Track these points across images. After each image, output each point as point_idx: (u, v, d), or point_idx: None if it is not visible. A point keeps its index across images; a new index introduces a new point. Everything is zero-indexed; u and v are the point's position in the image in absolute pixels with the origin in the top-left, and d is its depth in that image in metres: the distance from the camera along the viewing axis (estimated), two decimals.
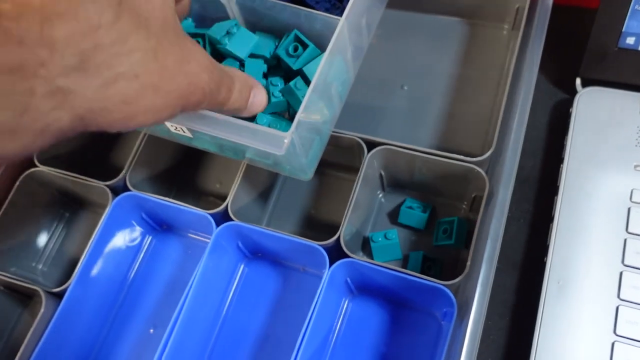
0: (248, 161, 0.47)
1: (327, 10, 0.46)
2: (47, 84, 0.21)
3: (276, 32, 0.44)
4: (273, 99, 0.40)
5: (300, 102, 0.40)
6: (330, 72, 0.40)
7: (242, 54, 0.42)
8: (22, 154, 0.23)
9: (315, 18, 0.42)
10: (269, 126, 0.40)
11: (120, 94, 0.24)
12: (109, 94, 0.24)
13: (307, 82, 0.41)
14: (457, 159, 0.45)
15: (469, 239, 0.48)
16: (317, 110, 0.41)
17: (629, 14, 0.49)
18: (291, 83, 0.40)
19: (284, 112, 0.42)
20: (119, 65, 0.24)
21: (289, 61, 0.41)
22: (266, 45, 0.43)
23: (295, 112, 0.41)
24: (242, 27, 0.42)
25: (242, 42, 0.42)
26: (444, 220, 0.50)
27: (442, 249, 0.49)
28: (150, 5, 0.26)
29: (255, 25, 0.44)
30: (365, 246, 0.50)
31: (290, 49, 0.41)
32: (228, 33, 0.42)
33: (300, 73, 0.41)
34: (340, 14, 0.44)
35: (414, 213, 0.50)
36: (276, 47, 0.43)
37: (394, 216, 0.52)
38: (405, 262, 0.50)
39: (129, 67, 0.24)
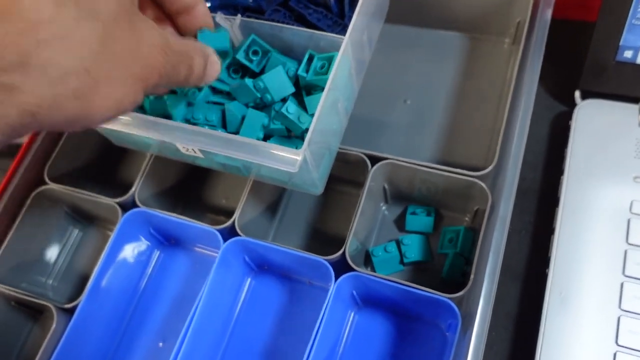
0: (259, 179, 0.47)
1: (329, 27, 0.47)
2: None
3: (282, 53, 0.45)
4: (272, 125, 0.41)
5: (294, 124, 0.41)
6: (336, 89, 0.41)
7: (277, 96, 0.43)
8: None
9: (318, 38, 0.43)
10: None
11: (71, 89, 0.24)
12: (58, 90, 0.24)
13: (301, 102, 0.42)
14: (459, 173, 0.46)
15: (473, 249, 0.49)
16: (326, 126, 0.42)
17: (626, 27, 0.49)
18: (282, 109, 0.41)
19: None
20: (65, 60, 0.23)
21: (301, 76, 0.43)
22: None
23: (295, 132, 0.43)
24: (273, 53, 0.43)
25: (277, 81, 0.42)
26: (450, 229, 0.50)
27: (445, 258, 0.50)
28: None
29: None
30: (369, 258, 0.51)
31: (318, 67, 0.42)
32: (256, 53, 0.43)
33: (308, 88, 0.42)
34: (342, 30, 0.46)
35: (420, 218, 0.51)
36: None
37: (397, 227, 0.53)
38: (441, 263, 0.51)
39: (77, 62, 0.24)
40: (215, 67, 0.36)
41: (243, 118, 0.43)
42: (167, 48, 0.30)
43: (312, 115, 0.41)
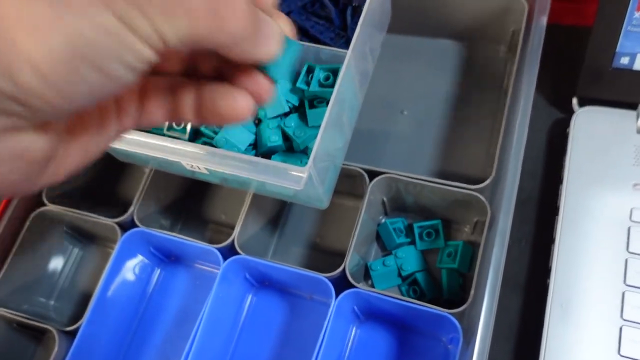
0: (263, 193, 0.47)
1: (331, 40, 0.47)
2: None
3: None
4: (269, 144, 0.41)
5: (294, 139, 0.41)
6: (341, 102, 0.41)
7: (271, 113, 0.43)
8: None
9: (320, 51, 0.42)
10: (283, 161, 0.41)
11: None
12: None
13: (304, 116, 0.42)
14: (457, 186, 0.46)
15: (472, 263, 0.49)
16: (330, 140, 0.41)
17: (622, 34, 0.49)
18: (281, 122, 0.41)
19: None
20: None
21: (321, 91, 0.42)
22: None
23: (298, 146, 0.42)
24: None
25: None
26: (449, 244, 0.50)
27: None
28: None
29: None
30: (369, 272, 0.51)
31: (322, 78, 0.42)
32: None
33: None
34: (345, 43, 0.45)
35: (391, 234, 0.51)
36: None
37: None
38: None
39: None
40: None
41: None
42: None
43: (312, 127, 0.41)
